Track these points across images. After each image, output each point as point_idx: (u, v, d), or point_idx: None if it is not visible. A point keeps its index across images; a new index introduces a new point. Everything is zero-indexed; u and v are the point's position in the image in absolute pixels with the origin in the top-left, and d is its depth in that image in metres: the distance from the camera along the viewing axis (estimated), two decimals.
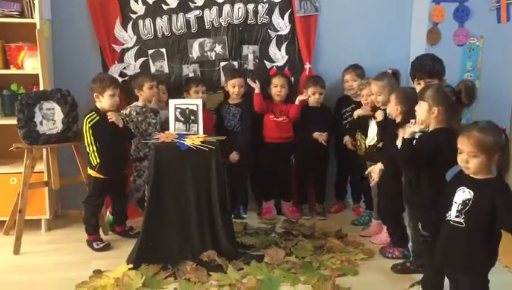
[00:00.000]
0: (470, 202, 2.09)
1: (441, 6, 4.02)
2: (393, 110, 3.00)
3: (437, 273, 2.43)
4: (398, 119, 2.98)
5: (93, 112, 3.20)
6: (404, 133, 2.57)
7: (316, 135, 3.81)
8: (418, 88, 2.90)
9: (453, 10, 4.03)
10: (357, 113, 3.56)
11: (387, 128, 3.12)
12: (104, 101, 3.19)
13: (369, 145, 3.42)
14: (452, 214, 2.15)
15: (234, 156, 3.75)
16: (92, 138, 3.15)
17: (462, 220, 2.11)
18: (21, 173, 3.27)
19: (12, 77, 3.55)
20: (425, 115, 2.48)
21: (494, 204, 2.01)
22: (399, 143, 2.64)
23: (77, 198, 3.47)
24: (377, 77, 3.34)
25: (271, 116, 3.85)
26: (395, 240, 3.19)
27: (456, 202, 2.15)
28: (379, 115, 3.25)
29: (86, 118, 3.17)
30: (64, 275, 2.89)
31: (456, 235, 2.14)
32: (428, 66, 2.94)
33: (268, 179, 3.92)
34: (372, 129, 3.38)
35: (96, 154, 3.16)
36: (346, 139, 3.83)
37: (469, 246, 2.11)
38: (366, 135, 3.50)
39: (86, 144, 3.17)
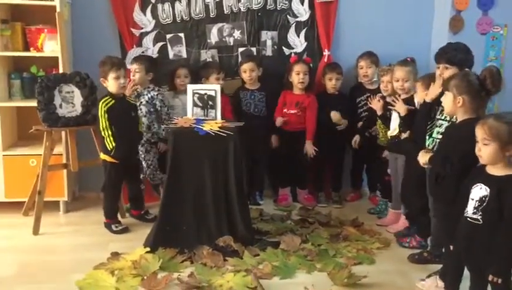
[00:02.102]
0: (486, 199, 2.07)
1: None
2: (423, 96, 2.96)
3: (457, 263, 2.39)
4: None
5: (108, 96, 3.20)
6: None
7: (332, 114, 3.77)
8: (436, 72, 2.87)
9: None
10: (374, 108, 3.52)
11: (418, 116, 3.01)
12: (110, 85, 3.18)
13: (390, 136, 3.38)
14: (469, 211, 2.14)
15: (275, 139, 3.80)
16: (107, 122, 3.15)
17: (479, 217, 2.09)
18: (40, 155, 3.30)
19: (32, 59, 3.58)
20: (451, 106, 2.43)
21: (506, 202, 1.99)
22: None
23: (95, 181, 3.50)
24: (402, 62, 3.30)
25: (284, 110, 3.84)
26: (416, 229, 3.15)
27: (472, 199, 2.13)
28: (401, 109, 3.18)
29: (101, 102, 3.17)
30: (82, 256, 2.92)
31: (474, 232, 2.12)
32: (450, 54, 2.87)
33: (285, 166, 3.91)
34: (395, 120, 3.32)
35: (111, 138, 3.17)
36: (357, 138, 3.82)
37: (488, 243, 2.08)
38: (387, 126, 3.45)
39: (102, 128, 3.17)
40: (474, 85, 2.38)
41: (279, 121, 3.79)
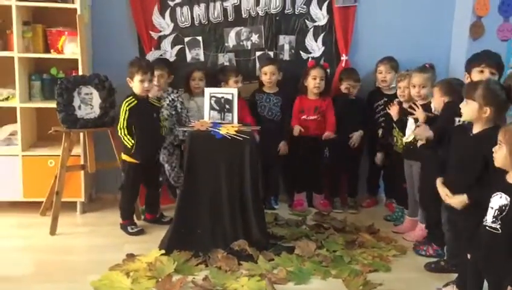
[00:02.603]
0: (507, 208, 2.03)
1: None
2: (439, 102, 2.92)
3: (476, 273, 2.35)
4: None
5: (132, 96, 3.23)
6: None
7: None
8: (477, 76, 2.79)
9: (498, 4, 3.87)
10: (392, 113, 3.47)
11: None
12: (135, 86, 3.21)
13: (405, 143, 3.34)
14: (488, 220, 2.10)
15: (284, 146, 3.79)
16: (125, 121, 3.17)
17: (498, 226, 2.06)
18: (59, 155, 3.33)
19: (52, 61, 3.63)
20: (474, 115, 2.37)
21: None
22: None
23: (112, 182, 3.53)
24: (420, 69, 3.27)
25: (303, 117, 3.82)
26: (433, 236, 3.11)
27: (492, 207, 2.09)
28: (420, 116, 3.14)
29: (125, 101, 3.20)
30: (98, 257, 2.95)
31: (493, 241, 2.09)
32: (497, 59, 2.84)
33: (300, 171, 3.90)
34: (410, 126, 3.28)
35: (129, 137, 3.19)
36: (380, 156, 3.82)
37: (507, 253, 2.05)
38: (403, 132, 3.42)
39: (119, 128, 3.19)
40: (501, 96, 2.35)
41: (296, 130, 3.76)
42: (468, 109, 2.40)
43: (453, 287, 2.56)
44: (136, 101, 3.21)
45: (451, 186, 2.50)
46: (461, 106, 2.48)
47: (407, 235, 3.37)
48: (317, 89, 3.77)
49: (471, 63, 2.87)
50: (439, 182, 2.57)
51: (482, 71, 2.79)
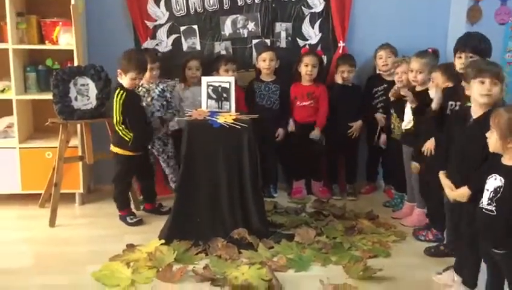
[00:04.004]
0: (501, 189, 2.04)
1: None
2: (444, 86, 2.90)
3: (474, 256, 2.36)
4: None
5: (120, 89, 3.18)
6: None
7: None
8: (458, 62, 2.79)
9: None
10: (391, 94, 3.43)
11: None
12: (125, 80, 3.18)
13: (405, 129, 3.33)
14: (484, 202, 2.11)
15: (282, 133, 3.80)
16: (121, 116, 3.15)
17: (493, 208, 2.06)
18: (56, 147, 3.32)
19: (47, 52, 3.60)
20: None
21: None
22: None
23: (110, 173, 3.49)
24: (419, 54, 3.25)
25: (297, 103, 3.81)
26: (433, 221, 3.11)
27: (488, 189, 2.10)
28: (410, 100, 3.13)
29: (116, 95, 3.16)
30: (98, 248, 2.94)
31: (488, 223, 2.10)
32: (474, 42, 2.79)
33: (298, 158, 3.90)
34: (409, 112, 3.26)
35: (126, 130, 3.18)
36: (378, 116, 3.80)
37: (502, 233, 2.05)
38: (401, 118, 3.41)
39: (116, 123, 3.17)
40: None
41: (291, 126, 3.81)
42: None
43: (453, 271, 2.56)
44: (125, 93, 3.18)
45: (454, 178, 2.44)
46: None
47: (404, 221, 3.38)
48: (309, 76, 3.76)
49: (454, 48, 2.87)
50: (442, 175, 2.52)
51: (460, 57, 2.79)
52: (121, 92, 3.18)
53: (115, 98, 3.16)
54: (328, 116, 3.83)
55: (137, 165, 3.35)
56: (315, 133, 3.79)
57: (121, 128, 3.17)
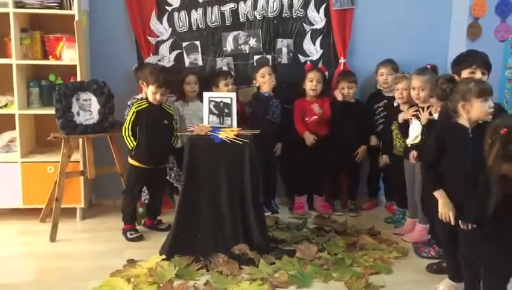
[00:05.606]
0: None
1: (482, 0, 3.88)
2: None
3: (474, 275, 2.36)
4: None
5: (144, 100, 3.26)
6: None
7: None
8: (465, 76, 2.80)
9: (495, 4, 3.90)
10: (402, 117, 3.40)
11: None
12: (147, 93, 3.24)
13: (411, 144, 3.30)
14: None
15: (279, 148, 3.82)
16: (131, 122, 3.20)
17: None
18: (58, 162, 3.32)
19: (50, 67, 3.62)
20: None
21: None
22: None
23: (111, 188, 3.52)
24: (419, 71, 3.26)
25: (306, 118, 3.83)
26: (436, 238, 3.07)
27: None
28: (423, 118, 3.16)
29: (136, 103, 3.25)
30: (99, 263, 2.93)
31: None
32: (487, 59, 2.83)
33: (300, 173, 3.89)
34: (416, 128, 3.24)
35: (131, 138, 3.21)
36: (374, 140, 3.85)
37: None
38: (402, 135, 3.42)
39: (123, 127, 3.22)
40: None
41: (309, 139, 3.77)
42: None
43: (447, 280, 2.56)
44: (147, 105, 3.24)
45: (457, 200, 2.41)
46: None
47: (406, 237, 3.37)
48: (313, 92, 3.78)
49: (460, 64, 2.88)
50: (443, 204, 2.47)
51: (473, 72, 2.79)
52: (143, 102, 3.25)
53: (134, 104, 3.25)
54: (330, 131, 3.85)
55: (147, 178, 3.36)
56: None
57: (126, 134, 3.21)
